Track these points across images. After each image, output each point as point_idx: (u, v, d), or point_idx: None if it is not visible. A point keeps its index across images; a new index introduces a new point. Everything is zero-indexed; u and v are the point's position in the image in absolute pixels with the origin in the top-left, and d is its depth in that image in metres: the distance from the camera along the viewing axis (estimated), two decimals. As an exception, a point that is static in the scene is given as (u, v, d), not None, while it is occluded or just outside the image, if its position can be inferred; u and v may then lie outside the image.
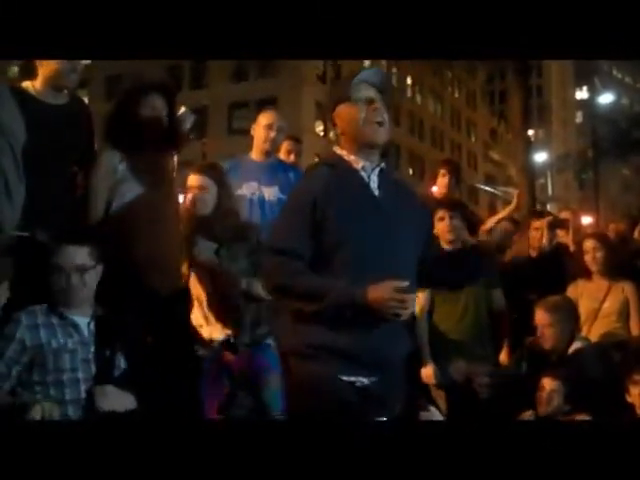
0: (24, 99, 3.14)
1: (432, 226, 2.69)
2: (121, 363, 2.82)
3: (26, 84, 3.19)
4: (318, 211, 2.34)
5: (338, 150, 2.51)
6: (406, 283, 2.24)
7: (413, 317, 2.57)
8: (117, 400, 2.65)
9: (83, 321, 2.76)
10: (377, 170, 2.47)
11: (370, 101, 2.42)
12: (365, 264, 2.34)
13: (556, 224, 5.15)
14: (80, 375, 2.67)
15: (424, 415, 3.55)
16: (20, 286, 3.00)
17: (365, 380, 2.39)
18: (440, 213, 4.27)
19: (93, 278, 2.80)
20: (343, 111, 2.47)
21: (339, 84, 2.67)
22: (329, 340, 2.33)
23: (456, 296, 4.19)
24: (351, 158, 2.46)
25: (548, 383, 3.55)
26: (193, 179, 3.52)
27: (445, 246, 4.23)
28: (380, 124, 2.42)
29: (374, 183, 2.45)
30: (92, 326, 2.77)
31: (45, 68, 3.17)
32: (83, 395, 2.65)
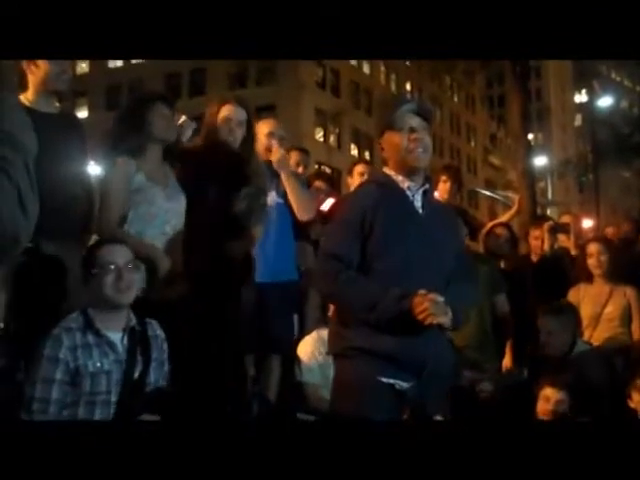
0: None
1: (463, 242, 2.93)
2: (151, 380, 2.74)
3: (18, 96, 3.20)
4: (366, 224, 2.57)
5: (387, 170, 2.73)
6: (442, 299, 2.43)
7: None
8: None
9: (117, 337, 2.68)
10: (421, 191, 2.69)
11: (412, 130, 2.64)
12: (404, 274, 2.53)
13: (557, 229, 5.14)
14: (113, 398, 2.61)
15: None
16: (26, 298, 2.97)
17: (404, 384, 2.51)
18: None
19: (139, 280, 2.75)
20: (388, 138, 2.70)
21: (386, 111, 2.88)
22: (372, 343, 2.49)
23: None
24: (398, 178, 2.69)
25: (553, 394, 3.46)
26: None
27: None
28: (420, 152, 2.64)
29: (418, 202, 2.68)
30: (125, 341, 2.69)
31: (35, 75, 3.18)
32: (112, 416, 2.60)
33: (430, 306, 2.40)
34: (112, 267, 2.66)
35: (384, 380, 2.48)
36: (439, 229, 2.69)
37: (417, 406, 2.55)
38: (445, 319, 2.45)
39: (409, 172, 2.67)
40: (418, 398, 2.54)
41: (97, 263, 2.68)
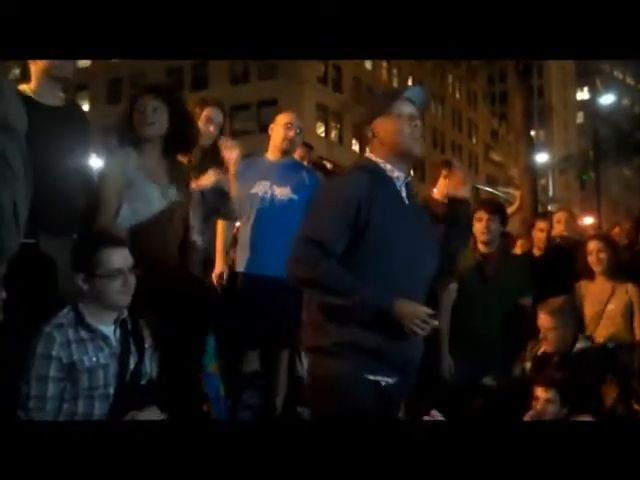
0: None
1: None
2: (147, 370, 2.75)
3: (22, 87, 3.17)
4: (361, 217, 2.45)
5: (373, 157, 2.63)
6: (432, 312, 2.39)
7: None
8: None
9: (110, 330, 2.67)
10: (406, 182, 2.62)
11: (412, 117, 2.57)
12: (396, 269, 2.46)
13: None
14: (111, 391, 2.61)
15: (427, 419, 3.53)
16: (24, 295, 2.96)
17: (389, 380, 2.47)
18: (479, 214, 4.27)
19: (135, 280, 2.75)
20: (385, 124, 2.59)
21: (380, 98, 2.83)
22: (359, 339, 2.42)
23: (482, 295, 4.17)
24: (387, 167, 2.59)
25: (541, 393, 3.49)
26: None
27: (479, 246, 4.28)
28: (421, 140, 2.61)
29: (404, 193, 2.60)
30: (118, 333, 2.69)
31: (37, 62, 3.12)
32: (111, 409, 2.60)
33: (419, 323, 2.37)
34: (120, 273, 2.66)
35: (370, 377, 2.43)
36: (422, 220, 2.64)
37: (399, 401, 2.54)
38: (427, 332, 2.42)
39: (404, 159, 2.58)
40: (400, 393, 2.52)
41: (103, 266, 2.65)
